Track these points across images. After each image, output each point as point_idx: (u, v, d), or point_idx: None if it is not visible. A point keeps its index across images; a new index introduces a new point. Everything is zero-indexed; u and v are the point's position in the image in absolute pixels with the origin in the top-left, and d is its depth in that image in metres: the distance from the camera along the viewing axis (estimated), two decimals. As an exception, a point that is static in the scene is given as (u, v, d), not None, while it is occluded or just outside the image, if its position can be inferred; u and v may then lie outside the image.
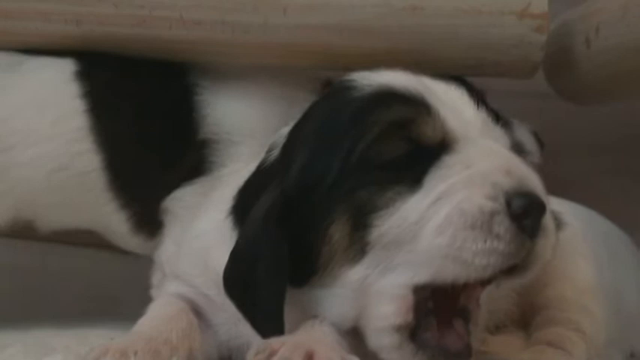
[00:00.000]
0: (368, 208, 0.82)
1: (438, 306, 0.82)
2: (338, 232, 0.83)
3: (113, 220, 1.21)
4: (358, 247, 0.82)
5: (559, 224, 1.05)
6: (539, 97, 1.50)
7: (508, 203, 0.75)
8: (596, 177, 1.57)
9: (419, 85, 0.86)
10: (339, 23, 1.15)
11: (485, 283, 0.82)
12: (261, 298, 0.85)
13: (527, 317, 1.05)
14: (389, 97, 0.85)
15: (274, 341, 0.80)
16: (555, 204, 1.08)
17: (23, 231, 1.21)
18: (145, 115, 1.18)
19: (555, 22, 1.32)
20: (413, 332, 0.82)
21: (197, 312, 0.98)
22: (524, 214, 0.76)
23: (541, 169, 0.84)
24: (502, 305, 1.05)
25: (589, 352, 0.97)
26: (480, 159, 0.79)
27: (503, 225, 0.75)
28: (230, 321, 0.96)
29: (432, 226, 0.78)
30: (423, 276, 0.79)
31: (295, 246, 0.85)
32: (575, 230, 1.08)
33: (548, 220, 0.78)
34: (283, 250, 0.84)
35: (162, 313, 0.97)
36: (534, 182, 0.78)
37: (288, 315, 0.85)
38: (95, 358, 0.84)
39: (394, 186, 0.81)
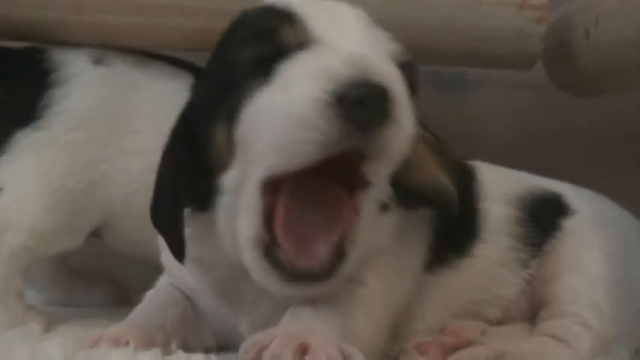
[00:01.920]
0: (235, 107, 0.81)
1: (300, 220, 0.79)
2: (218, 135, 0.83)
3: None
4: (231, 148, 0.82)
5: (567, 212, 1.07)
6: (537, 89, 1.50)
7: (343, 95, 0.72)
8: (595, 168, 1.57)
9: (303, 3, 0.84)
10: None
11: (358, 188, 0.79)
12: (166, 220, 0.87)
13: (535, 310, 1.03)
14: (265, 11, 0.85)
15: (263, 335, 0.77)
16: (565, 189, 1.10)
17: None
18: None
19: (555, 14, 1.32)
20: (268, 248, 0.79)
21: (192, 302, 0.98)
22: (357, 104, 0.72)
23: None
24: (508, 291, 1.04)
25: (594, 348, 0.96)
26: (331, 55, 0.76)
27: (325, 116, 0.72)
28: (212, 306, 0.96)
29: (268, 119, 0.77)
30: (260, 171, 0.78)
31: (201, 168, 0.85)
32: (586, 218, 1.06)
33: (398, 111, 0.74)
34: (184, 172, 0.85)
35: (157, 301, 0.97)
36: (380, 75, 0.73)
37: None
38: (90, 345, 0.84)
39: (253, 83, 0.80)
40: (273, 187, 0.78)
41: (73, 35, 1.17)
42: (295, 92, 0.74)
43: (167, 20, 1.15)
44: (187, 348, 0.91)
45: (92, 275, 1.41)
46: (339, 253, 0.79)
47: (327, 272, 0.78)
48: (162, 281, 1.02)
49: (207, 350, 0.92)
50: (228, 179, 0.82)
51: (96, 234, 1.20)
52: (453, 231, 1.01)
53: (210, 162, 0.85)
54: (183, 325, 0.95)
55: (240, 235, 0.80)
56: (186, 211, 0.88)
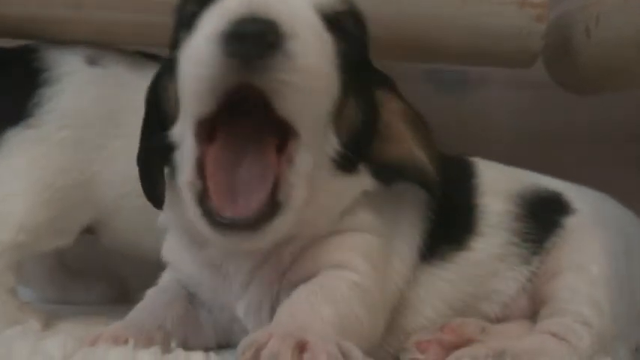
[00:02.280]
0: (175, 62, 0.83)
1: (231, 169, 0.80)
2: (167, 92, 0.89)
3: None
4: (177, 103, 0.85)
5: (568, 210, 1.07)
6: (537, 88, 1.50)
7: (227, 31, 0.73)
8: (595, 168, 1.57)
9: None
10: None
11: (289, 137, 0.80)
12: (144, 176, 0.93)
13: (536, 307, 1.03)
14: None
15: (260, 334, 0.76)
16: (566, 188, 1.10)
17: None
18: None
19: (555, 12, 1.31)
20: (201, 197, 0.80)
21: (193, 296, 0.98)
22: (238, 39, 0.73)
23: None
24: (507, 286, 1.04)
25: (594, 346, 0.96)
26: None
27: (211, 52, 0.74)
28: (210, 295, 0.97)
29: (184, 65, 0.80)
30: (190, 118, 0.81)
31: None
32: (587, 216, 1.06)
33: (291, 45, 0.74)
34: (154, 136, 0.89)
35: (157, 299, 0.97)
36: (269, 12, 0.75)
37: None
38: (90, 343, 0.84)
39: (184, 37, 0.83)
40: (207, 136, 0.80)
41: (71, 33, 1.17)
42: (197, 35, 0.77)
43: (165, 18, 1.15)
44: (187, 347, 0.91)
45: (89, 272, 1.41)
46: (273, 205, 0.79)
47: (256, 222, 0.78)
48: (165, 278, 1.02)
49: (207, 349, 0.92)
50: (175, 133, 0.86)
51: (91, 231, 1.20)
52: (451, 223, 1.02)
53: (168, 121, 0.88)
54: (184, 323, 0.95)
55: (180, 183, 0.83)
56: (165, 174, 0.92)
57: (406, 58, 1.25)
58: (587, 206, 1.08)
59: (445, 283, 1.00)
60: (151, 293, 0.99)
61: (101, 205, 1.15)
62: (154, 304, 0.96)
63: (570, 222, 1.06)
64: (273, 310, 0.88)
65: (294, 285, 0.88)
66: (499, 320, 1.04)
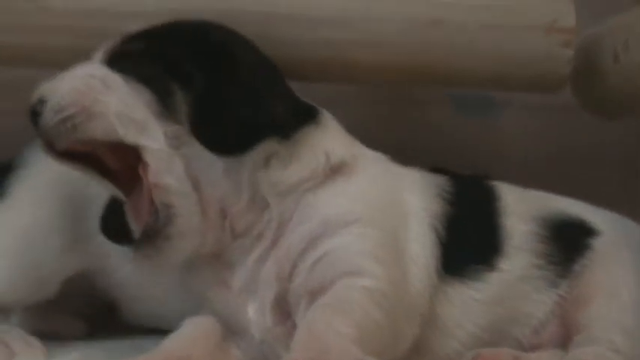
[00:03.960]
0: None
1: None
2: None
3: None
4: None
5: (593, 232, 1.07)
6: (564, 111, 1.49)
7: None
8: (623, 190, 1.56)
9: None
10: (361, 38, 1.15)
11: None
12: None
13: (568, 334, 1.03)
14: None
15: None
16: (588, 211, 1.11)
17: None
18: None
19: (582, 36, 1.31)
20: None
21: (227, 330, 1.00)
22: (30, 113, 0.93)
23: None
24: (536, 309, 1.04)
25: None
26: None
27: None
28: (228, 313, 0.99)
29: None
30: None
31: None
32: (612, 240, 1.07)
33: (44, 107, 0.92)
34: None
35: (189, 331, 0.98)
36: (44, 90, 0.93)
37: None
38: None
39: None
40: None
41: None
42: None
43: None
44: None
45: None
46: (156, 213, 0.91)
47: (150, 231, 0.91)
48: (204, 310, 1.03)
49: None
50: None
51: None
52: (476, 244, 1.03)
53: None
54: (212, 357, 0.96)
55: None
56: None
57: (434, 85, 1.25)
58: (610, 228, 1.08)
59: (477, 303, 1.00)
60: (186, 324, 0.99)
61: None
62: (185, 335, 0.97)
63: (598, 244, 1.06)
64: (277, 313, 0.94)
65: (305, 296, 0.92)
66: (531, 347, 1.04)
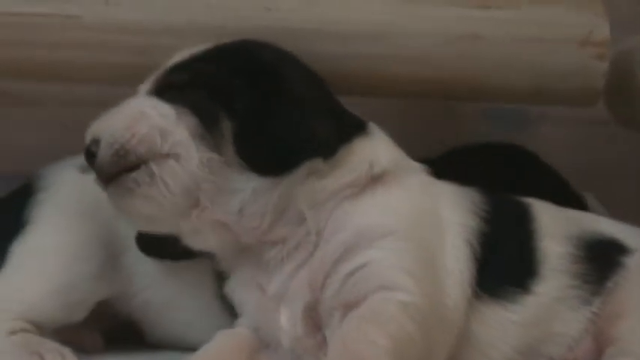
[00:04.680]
0: None
1: None
2: None
3: None
4: None
5: (627, 250, 1.07)
6: (600, 124, 1.49)
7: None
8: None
9: None
10: (397, 53, 1.16)
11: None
12: None
13: (601, 348, 1.03)
14: None
15: None
16: (620, 230, 1.11)
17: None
18: None
19: (616, 50, 1.31)
20: None
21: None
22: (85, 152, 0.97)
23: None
24: (571, 328, 1.04)
25: None
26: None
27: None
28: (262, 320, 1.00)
29: None
30: None
31: None
32: None
33: (98, 147, 0.95)
34: None
35: (222, 343, 1.00)
36: (96, 129, 0.97)
37: None
38: None
39: None
40: None
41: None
42: None
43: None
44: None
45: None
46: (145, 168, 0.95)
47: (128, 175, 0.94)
48: (239, 322, 1.04)
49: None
50: None
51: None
52: (513, 266, 1.03)
53: None
54: None
55: None
56: None
57: (469, 99, 1.26)
58: None
59: (513, 325, 1.00)
60: (215, 339, 1.01)
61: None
62: (218, 346, 0.99)
63: (631, 262, 1.06)
64: (308, 324, 0.95)
65: (339, 308, 0.92)
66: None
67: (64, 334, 1.15)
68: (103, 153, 0.94)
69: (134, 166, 0.93)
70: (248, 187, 0.94)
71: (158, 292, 1.17)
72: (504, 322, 1.00)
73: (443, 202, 1.03)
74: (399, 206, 0.98)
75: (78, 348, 1.13)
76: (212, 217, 0.95)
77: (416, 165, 1.05)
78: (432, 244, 0.98)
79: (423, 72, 1.18)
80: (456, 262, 0.98)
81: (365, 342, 0.85)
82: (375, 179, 0.98)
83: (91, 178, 1.13)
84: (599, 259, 1.06)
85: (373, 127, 1.04)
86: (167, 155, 0.93)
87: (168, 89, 0.98)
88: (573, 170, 1.50)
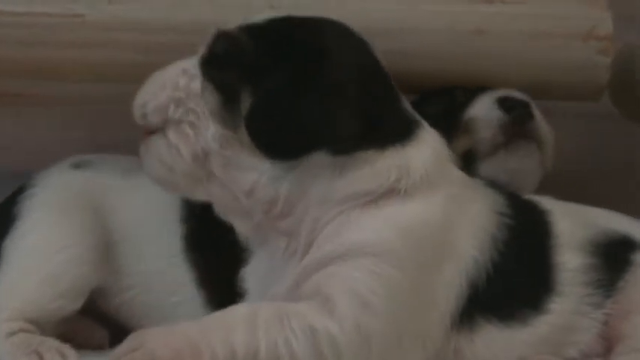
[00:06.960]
0: None
1: None
2: None
3: None
4: None
5: (637, 246, 1.06)
6: (605, 118, 1.49)
7: None
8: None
9: None
10: (404, 48, 1.16)
11: None
12: None
13: (610, 345, 1.02)
14: None
15: None
16: (633, 226, 1.10)
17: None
18: None
19: (620, 44, 1.31)
20: None
21: None
22: None
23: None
24: (584, 336, 1.03)
25: None
26: None
27: None
28: None
29: None
30: None
31: None
32: None
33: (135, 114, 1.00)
34: None
35: None
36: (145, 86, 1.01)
37: None
38: None
39: None
40: None
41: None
42: None
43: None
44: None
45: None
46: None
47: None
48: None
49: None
50: None
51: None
52: (529, 283, 1.01)
53: None
54: None
55: None
56: None
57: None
58: None
59: (523, 345, 0.99)
60: None
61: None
62: None
63: (639, 258, 1.06)
64: None
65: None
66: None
67: (72, 331, 1.16)
68: (136, 115, 0.99)
69: (156, 129, 0.98)
70: (260, 169, 0.93)
71: (145, 293, 1.19)
72: (518, 342, 0.98)
73: (461, 224, 0.98)
74: (406, 224, 0.93)
75: (80, 345, 1.13)
76: (222, 188, 0.96)
77: (454, 178, 1.01)
78: (424, 272, 0.93)
79: (432, 67, 1.19)
80: (449, 289, 0.94)
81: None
82: (395, 190, 0.94)
83: (82, 172, 1.19)
84: (611, 261, 1.05)
85: (424, 135, 0.99)
86: (181, 121, 0.96)
87: (210, 57, 0.99)
88: (587, 166, 1.51)
